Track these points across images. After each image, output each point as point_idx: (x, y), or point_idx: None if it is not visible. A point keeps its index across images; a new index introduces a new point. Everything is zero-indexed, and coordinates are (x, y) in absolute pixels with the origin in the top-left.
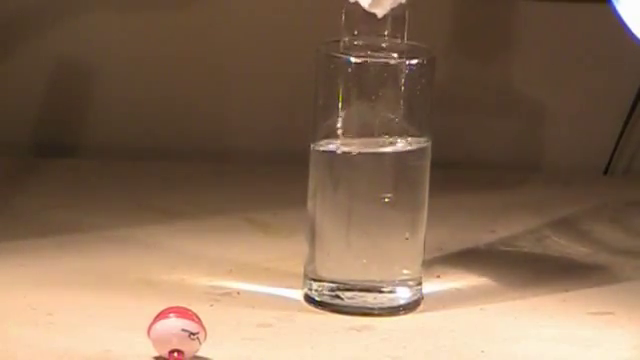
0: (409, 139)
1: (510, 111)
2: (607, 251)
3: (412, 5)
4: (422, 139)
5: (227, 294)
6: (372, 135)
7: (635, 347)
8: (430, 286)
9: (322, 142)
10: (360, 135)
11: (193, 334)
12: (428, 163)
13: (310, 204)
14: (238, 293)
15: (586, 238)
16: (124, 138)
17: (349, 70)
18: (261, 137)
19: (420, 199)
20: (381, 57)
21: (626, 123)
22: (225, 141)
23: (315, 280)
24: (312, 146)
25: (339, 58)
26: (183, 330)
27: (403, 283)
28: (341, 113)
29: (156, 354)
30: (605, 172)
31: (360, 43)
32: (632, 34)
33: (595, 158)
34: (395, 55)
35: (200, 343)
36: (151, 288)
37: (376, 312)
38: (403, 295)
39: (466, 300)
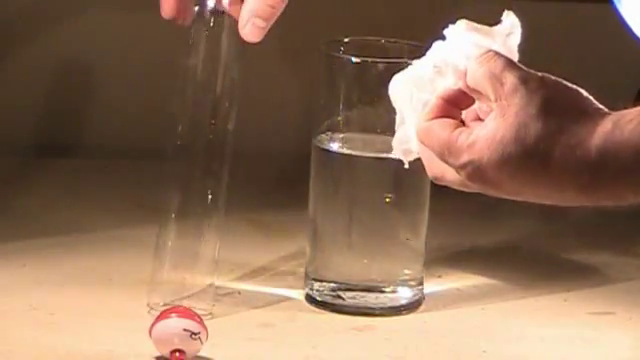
0: None
1: None
2: (607, 251)
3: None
4: None
5: (228, 294)
6: (373, 135)
7: (636, 347)
8: (431, 286)
9: (323, 143)
10: (361, 135)
11: (195, 334)
12: None
13: (311, 204)
14: (239, 293)
15: (587, 238)
16: (124, 138)
17: (350, 70)
18: (261, 137)
19: (421, 199)
20: (382, 57)
21: None
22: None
23: (316, 280)
24: (313, 146)
25: (340, 58)
26: (185, 330)
27: (404, 283)
28: (342, 113)
29: (158, 354)
30: None
31: (361, 43)
32: (633, 34)
33: None
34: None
35: (202, 343)
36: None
37: (377, 312)
38: (404, 295)
39: (467, 300)
